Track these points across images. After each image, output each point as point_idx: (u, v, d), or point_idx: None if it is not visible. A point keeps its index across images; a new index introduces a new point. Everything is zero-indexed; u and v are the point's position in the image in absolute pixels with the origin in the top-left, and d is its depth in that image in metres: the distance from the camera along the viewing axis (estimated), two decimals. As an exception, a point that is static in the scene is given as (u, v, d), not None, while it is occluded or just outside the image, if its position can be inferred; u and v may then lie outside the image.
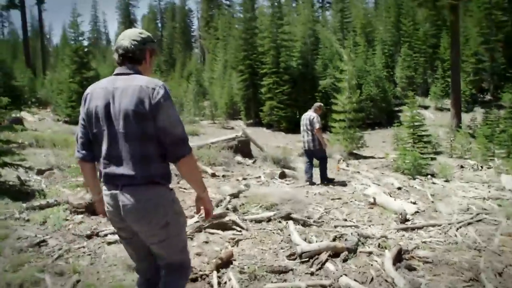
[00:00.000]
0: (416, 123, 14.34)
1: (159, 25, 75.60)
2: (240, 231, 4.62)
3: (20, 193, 6.14)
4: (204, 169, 9.10)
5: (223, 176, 8.83)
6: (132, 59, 2.30)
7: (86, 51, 26.55)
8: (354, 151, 19.20)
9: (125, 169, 2.16)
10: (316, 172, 9.06)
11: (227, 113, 35.20)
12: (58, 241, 4.24)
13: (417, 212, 6.12)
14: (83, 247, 4.14)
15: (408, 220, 5.67)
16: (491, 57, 33.45)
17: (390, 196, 7.24)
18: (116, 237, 4.30)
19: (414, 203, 6.63)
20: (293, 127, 30.51)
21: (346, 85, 19.83)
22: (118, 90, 2.18)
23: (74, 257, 3.88)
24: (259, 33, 33.74)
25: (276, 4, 33.46)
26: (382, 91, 31.02)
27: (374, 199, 6.70)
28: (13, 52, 59.07)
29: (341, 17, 45.56)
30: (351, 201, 6.96)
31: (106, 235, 4.38)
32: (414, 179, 10.85)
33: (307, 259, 3.81)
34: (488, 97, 33.59)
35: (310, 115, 8.93)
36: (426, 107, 31.76)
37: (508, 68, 32.98)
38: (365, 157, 18.11)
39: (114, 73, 2.31)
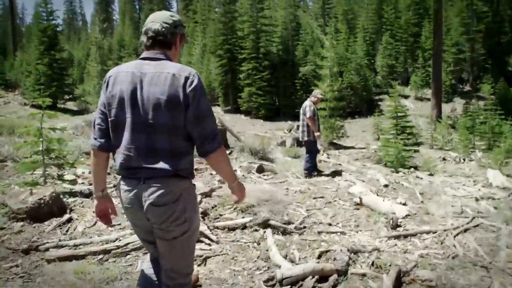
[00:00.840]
0: (399, 114, 13.82)
1: (137, 7, 73.58)
2: (209, 244, 3.92)
3: (-42, 190, 5.30)
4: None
5: (196, 169, 8.10)
6: (163, 43, 2.16)
7: (56, 30, 25.02)
8: (335, 141, 18.72)
9: (151, 162, 2.02)
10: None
11: (204, 99, 34.24)
12: (-15, 258, 3.48)
13: (408, 215, 5.54)
14: (16, 265, 3.39)
15: (399, 226, 5.08)
16: (472, 48, 33.37)
17: (377, 195, 6.66)
18: (59, 253, 3.58)
19: (404, 204, 6.06)
20: (272, 115, 29.96)
21: (327, 72, 19.25)
22: (147, 76, 2.04)
23: (1, 281, 3.14)
24: (238, 17, 32.78)
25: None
26: (363, 79, 30.59)
27: (361, 199, 6.10)
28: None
29: (322, 3, 44.84)
30: (335, 201, 6.34)
31: (47, 249, 3.63)
32: (397, 172, 10.40)
33: (289, 286, 3.16)
34: (467, 87, 33.56)
35: (304, 104, 8.67)
36: (406, 97, 31.49)
37: (487, 59, 32.97)
38: (346, 147, 17.65)
39: (141, 57, 2.15)
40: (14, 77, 35.91)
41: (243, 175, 7.76)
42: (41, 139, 5.29)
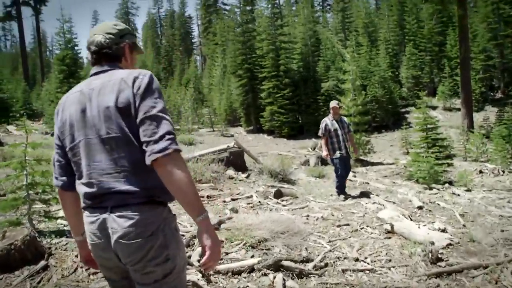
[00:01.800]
0: (429, 126, 12.88)
1: (159, 32, 74.87)
2: (204, 298, 3.21)
3: None
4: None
5: (208, 197, 7.43)
6: (109, 56, 1.90)
7: (75, 58, 25.05)
8: (361, 157, 17.79)
9: (116, 184, 1.70)
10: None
11: (226, 120, 33.91)
12: None
13: (450, 244, 4.69)
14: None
15: (440, 259, 4.25)
16: (501, 53, 31.98)
17: (411, 219, 5.82)
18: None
19: (444, 230, 5.20)
20: (295, 133, 29.20)
21: (350, 87, 18.49)
22: (95, 90, 1.78)
23: None
24: (257, 36, 32.42)
25: (275, 4, 32.20)
26: (387, 92, 29.55)
27: (392, 226, 5.29)
28: (13, 64, 58.99)
29: (342, 17, 44.24)
30: (362, 228, 5.55)
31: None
32: (431, 188, 9.54)
33: None
34: (499, 95, 32.08)
35: None
36: (434, 108, 30.23)
37: (518, 64, 31.52)
38: (373, 164, 16.73)
39: (90, 73, 1.91)
40: (40, 107, 36.46)
41: (259, 201, 7.04)
42: (25, 173, 4.71)
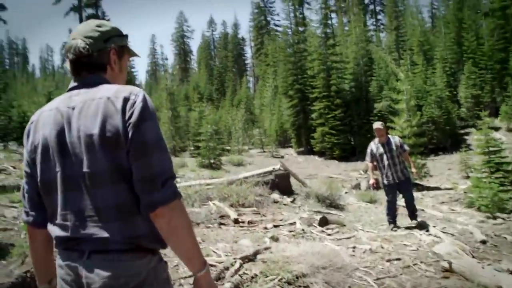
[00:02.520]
0: (492, 148, 11.91)
1: (213, 54, 76.63)
2: None
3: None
4: (226, 212, 7.42)
5: (249, 222, 7.07)
6: (91, 65, 1.55)
7: (128, 79, 25.86)
8: (416, 181, 16.83)
9: (94, 230, 1.38)
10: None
11: (277, 141, 33.64)
12: None
13: (521, 290, 4.03)
14: None
15: (509, 309, 3.63)
16: None
17: (473, 256, 5.16)
18: None
19: (512, 271, 4.53)
20: (347, 155, 28.42)
21: (404, 107, 17.68)
22: (76, 109, 1.45)
23: None
24: (308, 56, 32.19)
25: (327, 24, 31.95)
26: (445, 112, 28.20)
27: (450, 263, 4.67)
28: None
29: (396, 36, 43.19)
30: (415, 264, 4.96)
31: None
32: (495, 218, 8.69)
33: None
34: None
35: None
36: (496, 129, 28.44)
37: None
38: (429, 188, 15.73)
39: (69, 87, 1.57)
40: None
41: (303, 229, 6.59)
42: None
